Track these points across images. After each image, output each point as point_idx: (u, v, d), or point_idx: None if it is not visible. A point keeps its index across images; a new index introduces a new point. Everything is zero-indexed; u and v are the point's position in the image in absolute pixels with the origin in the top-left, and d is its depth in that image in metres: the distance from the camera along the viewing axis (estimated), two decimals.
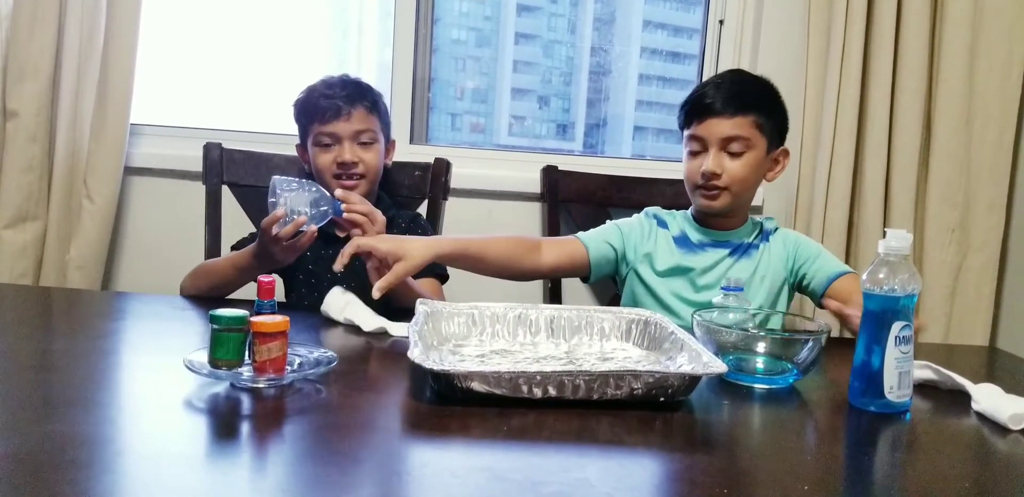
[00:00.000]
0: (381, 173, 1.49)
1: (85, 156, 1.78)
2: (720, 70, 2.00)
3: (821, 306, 1.39)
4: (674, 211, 1.47)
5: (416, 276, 1.26)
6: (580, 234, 1.42)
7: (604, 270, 1.42)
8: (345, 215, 1.21)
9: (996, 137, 1.82)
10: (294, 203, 1.19)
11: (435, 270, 1.40)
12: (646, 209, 1.49)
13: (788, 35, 1.89)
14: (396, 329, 1.11)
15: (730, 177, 1.32)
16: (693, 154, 1.36)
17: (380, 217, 1.25)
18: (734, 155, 1.32)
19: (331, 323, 1.17)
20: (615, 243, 1.41)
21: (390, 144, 1.54)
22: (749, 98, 1.33)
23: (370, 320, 1.13)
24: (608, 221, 1.47)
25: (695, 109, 1.34)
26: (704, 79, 2.01)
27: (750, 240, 1.42)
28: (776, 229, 1.44)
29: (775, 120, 1.36)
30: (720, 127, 1.31)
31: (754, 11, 1.95)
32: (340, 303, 1.17)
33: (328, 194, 1.22)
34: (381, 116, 1.47)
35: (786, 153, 1.42)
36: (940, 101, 1.81)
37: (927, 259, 1.84)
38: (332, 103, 1.41)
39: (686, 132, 1.37)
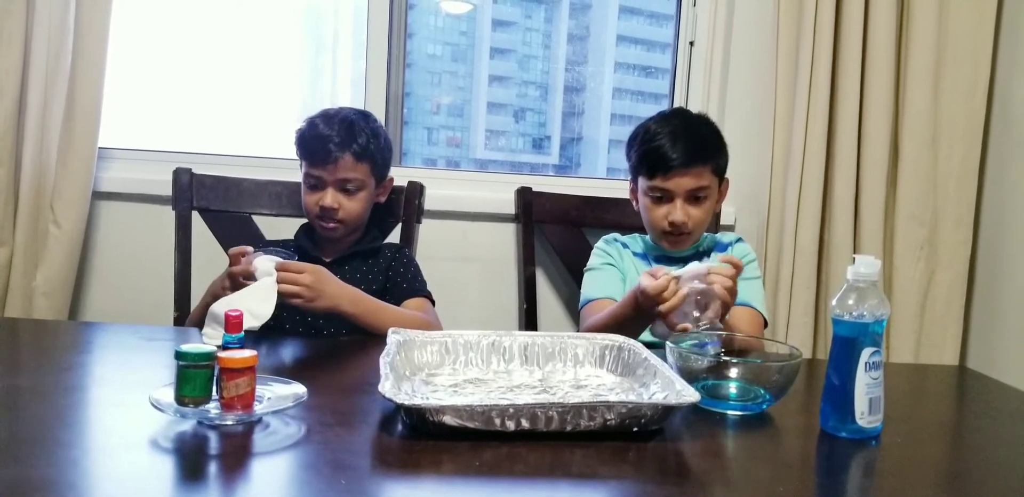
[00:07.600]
0: (367, 215, 1.48)
1: (52, 180, 1.75)
2: (691, 89, 2.03)
3: None
4: (633, 234, 1.59)
5: (408, 297, 1.43)
6: (590, 294, 1.48)
7: None
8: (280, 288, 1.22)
9: (962, 154, 1.84)
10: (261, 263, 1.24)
11: (422, 291, 1.48)
12: (604, 237, 1.59)
13: (757, 56, 1.91)
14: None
15: (695, 223, 1.44)
16: (656, 201, 1.44)
17: (308, 278, 1.23)
18: (697, 201, 1.43)
19: (304, 355, 1.15)
20: (618, 271, 1.51)
21: (387, 181, 1.53)
22: (706, 147, 1.44)
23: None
24: (589, 271, 1.54)
25: (659, 165, 1.41)
26: (670, 108, 1.99)
27: (703, 249, 1.53)
28: (738, 240, 1.55)
29: (724, 158, 1.47)
30: (686, 182, 1.42)
31: (724, 33, 1.97)
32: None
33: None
34: (374, 159, 1.43)
35: (727, 183, 1.52)
36: (907, 120, 1.83)
37: (896, 277, 1.85)
38: (322, 146, 1.39)
39: (648, 182, 1.44)
